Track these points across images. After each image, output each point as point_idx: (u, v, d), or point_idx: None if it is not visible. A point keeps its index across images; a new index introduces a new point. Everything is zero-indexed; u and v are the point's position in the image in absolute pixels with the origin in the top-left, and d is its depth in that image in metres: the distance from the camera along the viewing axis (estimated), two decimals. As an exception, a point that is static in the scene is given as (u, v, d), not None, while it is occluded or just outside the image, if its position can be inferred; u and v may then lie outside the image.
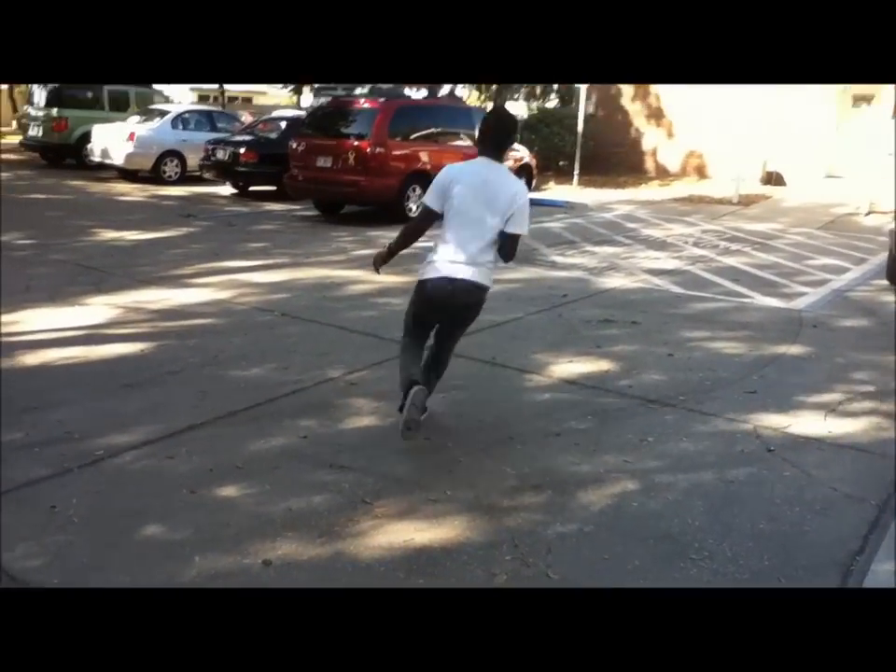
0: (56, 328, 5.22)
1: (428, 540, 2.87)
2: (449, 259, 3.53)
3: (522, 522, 3.02)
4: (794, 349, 5.31)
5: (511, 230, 3.54)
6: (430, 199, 3.59)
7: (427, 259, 3.67)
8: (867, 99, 15.64)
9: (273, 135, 13.57)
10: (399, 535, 2.89)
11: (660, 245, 9.66)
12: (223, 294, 6.43)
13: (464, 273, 3.51)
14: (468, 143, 12.03)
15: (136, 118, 15.27)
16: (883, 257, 7.83)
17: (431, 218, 3.66)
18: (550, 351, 5.15)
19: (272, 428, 3.78)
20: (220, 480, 3.24)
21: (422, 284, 3.67)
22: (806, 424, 3.99)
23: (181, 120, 15.21)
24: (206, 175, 13.91)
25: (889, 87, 12.39)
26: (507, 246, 3.61)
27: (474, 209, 3.48)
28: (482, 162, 3.56)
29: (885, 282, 7.41)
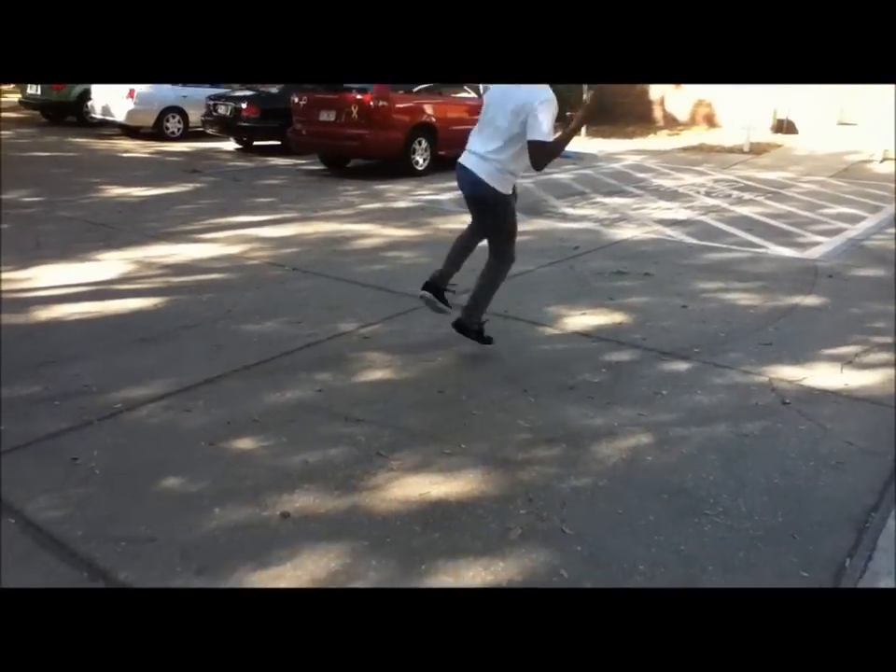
0: (68, 283, 5.22)
1: (444, 494, 2.88)
2: (467, 150, 3.98)
3: (536, 475, 3.03)
4: (809, 300, 5.27)
5: (528, 136, 3.68)
6: None
7: None
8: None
9: (275, 90, 13.38)
10: (415, 488, 2.91)
11: (671, 195, 9.55)
12: (233, 249, 6.40)
13: (471, 163, 3.91)
14: (471, 94, 11.85)
15: (136, 72, 15.06)
16: (899, 205, 7.73)
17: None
18: (562, 304, 5.13)
19: (286, 382, 3.79)
20: (238, 432, 3.26)
21: None
22: (822, 376, 3.97)
23: (182, 76, 14.99)
24: (209, 131, 13.79)
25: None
26: (531, 155, 3.74)
27: (490, 112, 3.87)
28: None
29: (900, 231, 7.33)
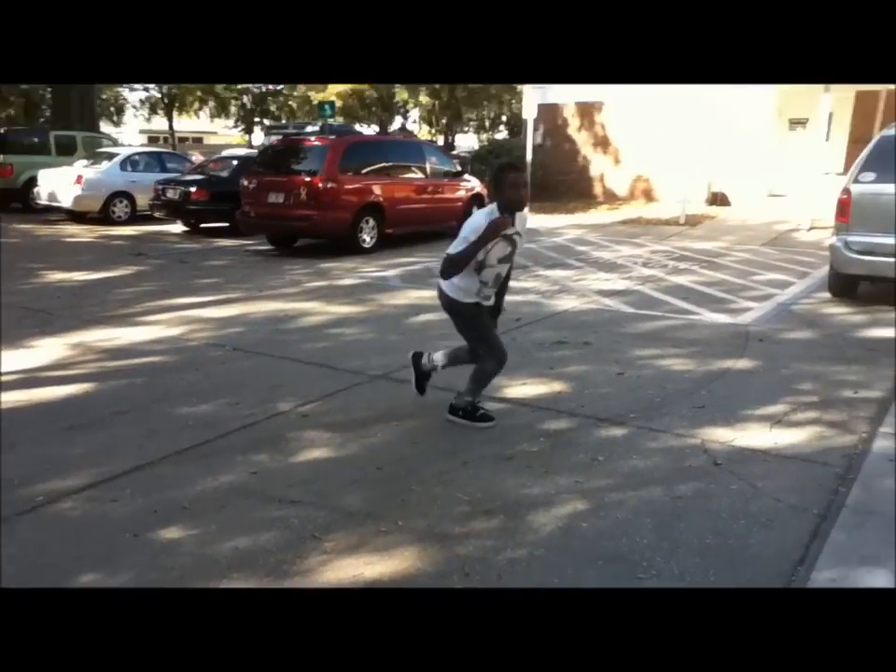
0: (-2, 373, 5.10)
1: (378, 574, 2.83)
2: None
3: (473, 549, 3.00)
4: (741, 363, 5.42)
5: None
6: None
7: None
8: (802, 123, 16.23)
9: (224, 174, 13.61)
10: (349, 570, 2.85)
11: (610, 266, 9.81)
12: (174, 331, 6.35)
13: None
14: (419, 175, 12.18)
15: (84, 161, 15.19)
16: (824, 270, 8.04)
17: None
18: (504, 374, 5.13)
19: (220, 465, 3.72)
20: (165, 521, 3.18)
21: None
22: (752, 436, 4.06)
23: (130, 162, 15.16)
24: (157, 215, 13.88)
25: (822, 111, 12.83)
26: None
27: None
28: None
29: (827, 294, 7.61)
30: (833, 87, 12.66)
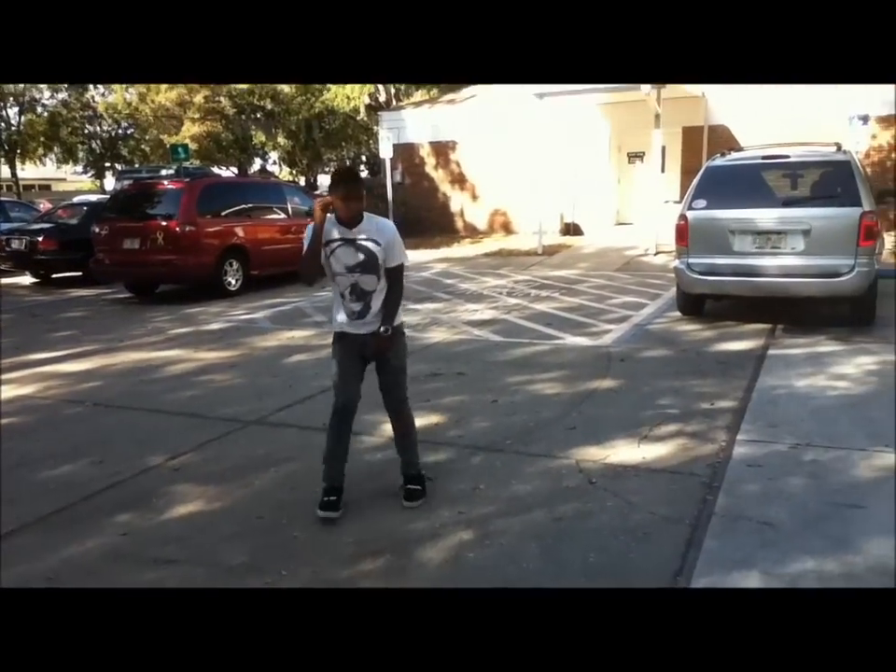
0: None
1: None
2: None
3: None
4: (606, 383, 5.68)
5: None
6: None
7: None
8: (639, 156, 17.43)
9: (75, 221, 13.01)
10: (236, 623, 2.75)
11: (477, 297, 10.07)
12: (26, 389, 5.94)
13: None
14: (281, 216, 12.07)
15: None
16: (673, 291, 8.58)
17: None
18: (380, 411, 5.13)
19: (87, 529, 3.50)
20: (29, 595, 2.95)
21: None
22: (623, 452, 4.25)
23: (-30, 212, 14.17)
24: (2, 267, 13.04)
25: (656, 146, 13.83)
26: None
27: None
28: None
29: (677, 313, 8.13)
30: (663, 123, 13.68)
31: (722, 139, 15.33)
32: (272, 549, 3.33)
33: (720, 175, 7.71)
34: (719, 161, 7.96)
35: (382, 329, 3.60)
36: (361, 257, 3.60)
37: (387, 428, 4.78)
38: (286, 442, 4.61)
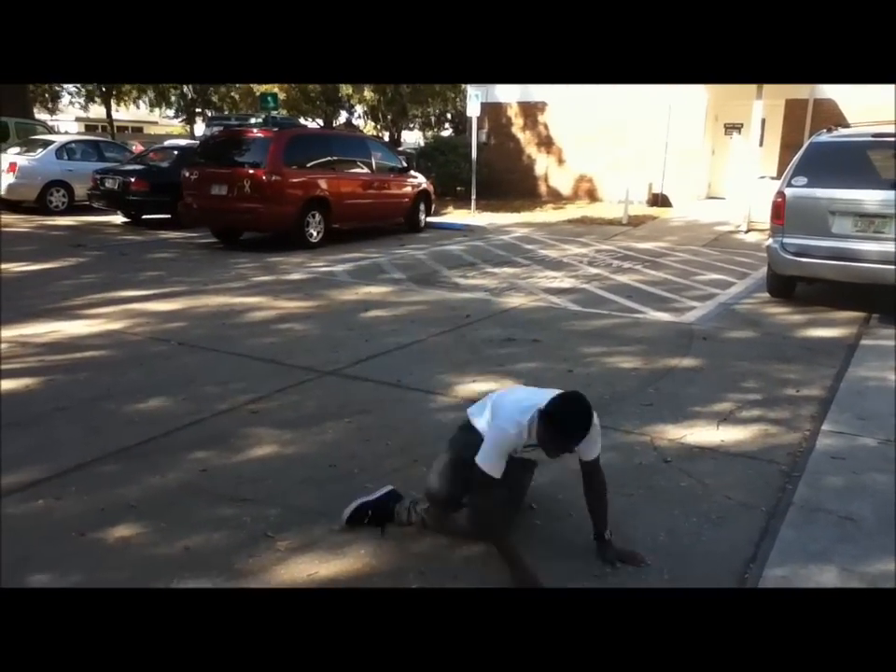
0: (-72, 367, 4.88)
1: (333, 573, 2.80)
2: None
3: (428, 547, 2.99)
4: (686, 361, 5.53)
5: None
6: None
7: None
8: (737, 128, 16.70)
9: (165, 164, 13.30)
10: (303, 569, 2.82)
11: (556, 264, 9.92)
12: (116, 325, 6.17)
13: None
14: (365, 170, 12.11)
15: (16, 149, 14.63)
16: (763, 271, 8.27)
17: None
18: (454, 371, 5.18)
19: (168, 463, 3.63)
20: (112, 520, 3.08)
21: None
22: (700, 434, 4.15)
23: (66, 150, 14.67)
24: (96, 205, 13.50)
25: (756, 118, 13.21)
26: None
27: None
28: None
29: (766, 294, 7.84)
30: (765, 93, 13.06)
31: (828, 114, 14.58)
32: (342, 497, 3.37)
33: (823, 152, 7.32)
34: (824, 137, 7.55)
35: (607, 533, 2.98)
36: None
37: (461, 389, 4.79)
38: (360, 395, 4.67)
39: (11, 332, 5.78)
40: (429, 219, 13.96)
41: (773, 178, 13.10)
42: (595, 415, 2.79)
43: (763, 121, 13.89)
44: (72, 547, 2.89)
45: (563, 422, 2.69)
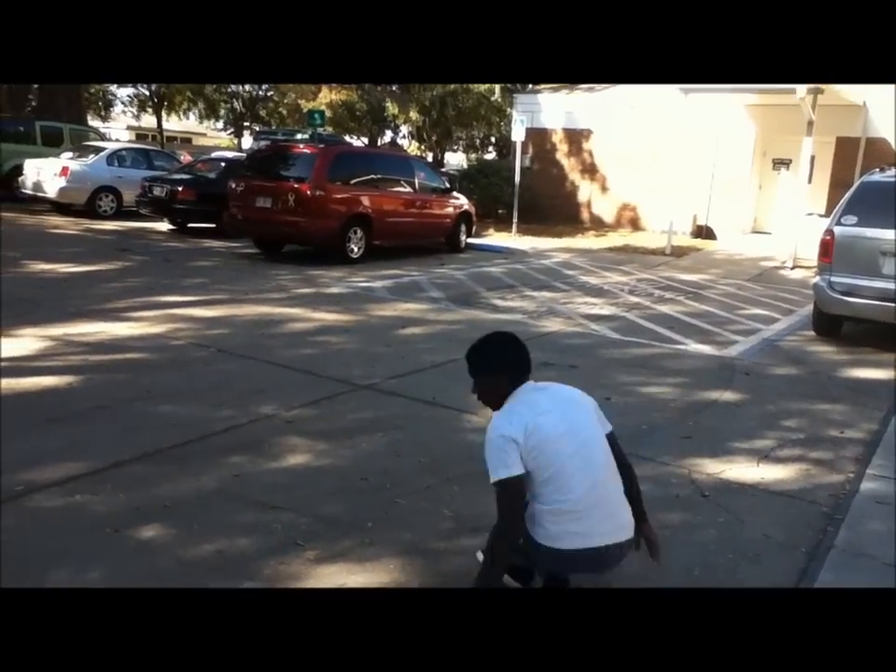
0: (-24, 359, 4.99)
1: (360, 583, 2.78)
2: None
3: (457, 566, 2.96)
4: (727, 395, 5.43)
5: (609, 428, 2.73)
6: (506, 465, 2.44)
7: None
8: (785, 163, 16.51)
9: (212, 175, 13.56)
10: (331, 578, 2.80)
11: (597, 291, 9.86)
12: (158, 328, 6.26)
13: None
14: (407, 189, 12.21)
15: (69, 153, 15.05)
16: (809, 308, 8.12)
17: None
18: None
19: (202, 467, 3.65)
20: (146, 519, 3.10)
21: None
22: (740, 469, 4.06)
23: (117, 157, 15.04)
24: (143, 211, 13.81)
25: (805, 154, 13.05)
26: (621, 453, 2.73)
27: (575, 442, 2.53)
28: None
29: (811, 332, 7.68)
30: (816, 130, 12.92)
31: (881, 153, 14.36)
32: (373, 510, 3.37)
33: (875, 192, 7.20)
34: (876, 177, 7.43)
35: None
36: None
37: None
38: (394, 410, 4.66)
39: (56, 331, 5.89)
40: (470, 240, 13.99)
41: (821, 216, 12.92)
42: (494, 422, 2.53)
43: (813, 158, 13.73)
44: (106, 543, 2.91)
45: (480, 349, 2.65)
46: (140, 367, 5.18)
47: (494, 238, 15.59)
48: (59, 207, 14.54)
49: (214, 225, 12.84)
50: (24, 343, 5.49)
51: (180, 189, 12.94)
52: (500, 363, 2.66)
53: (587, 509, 2.48)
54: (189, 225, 13.56)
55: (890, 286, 6.73)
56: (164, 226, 13.89)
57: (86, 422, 4.11)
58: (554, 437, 2.49)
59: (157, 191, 13.19)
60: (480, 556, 2.85)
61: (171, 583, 2.66)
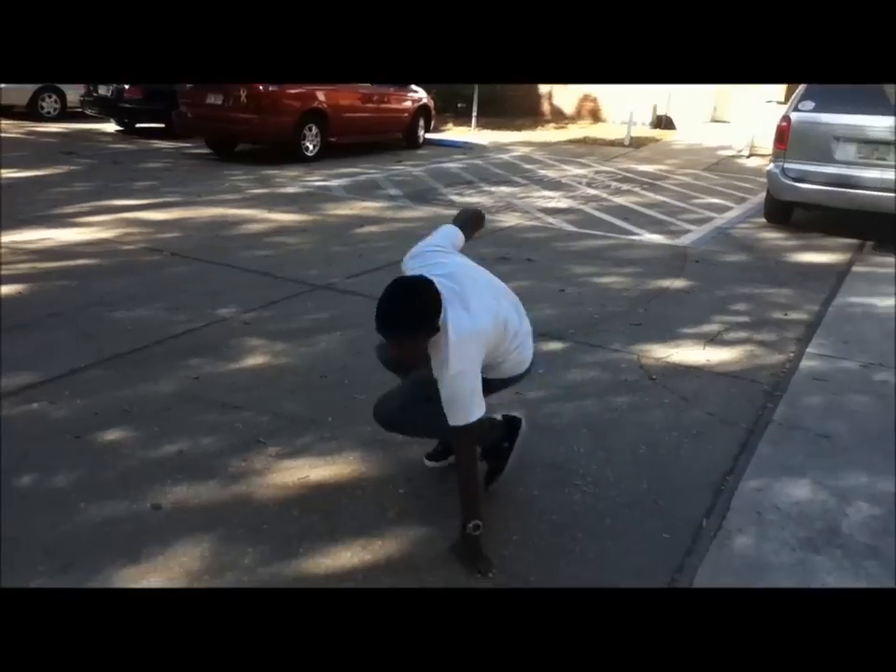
0: (-80, 271, 4.88)
1: (323, 477, 2.89)
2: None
3: (415, 456, 3.07)
4: (678, 283, 5.56)
5: None
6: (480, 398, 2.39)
7: None
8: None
9: (159, 70, 12.92)
10: (294, 473, 2.90)
11: (555, 185, 9.81)
12: (108, 233, 6.14)
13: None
14: (364, 83, 11.79)
15: (6, 49, 14.19)
16: (762, 196, 8.21)
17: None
18: (446, 289, 5.19)
19: (160, 371, 3.68)
20: (106, 424, 3.15)
21: None
22: (687, 353, 4.21)
23: (57, 52, 14.23)
24: (88, 112, 13.20)
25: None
26: None
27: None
28: None
29: (762, 219, 7.79)
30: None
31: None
32: (333, 406, 3.45)
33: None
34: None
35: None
36: None
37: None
38: (352, 309, 4.69)
39: (3, 239, 5.75)
40: (428, 136, 13.70)
41: (780, 103, 12.83)
42: (450, 359, 2.25)
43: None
44: (67, 448, 2.96)
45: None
46: (92, 273, 5.11)
47: (453, 133, 15.28)
48: (-3, 110, 13.85)
49: (163, 125, 12.39)
50: (-30, 253, 5.37)
51: (127, 87, 12.38)
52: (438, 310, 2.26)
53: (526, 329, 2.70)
54: (137, 125, 13.05)
55: (842, 171, 6.80)
56: (111, 127, 13.34)
57: (40, 330, 4.08)
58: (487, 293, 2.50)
59: (102, 90, 12.60)
60: (428, 464, 2.99)
61: (136, 486, 2.75)
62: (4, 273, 5.01)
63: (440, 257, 2.57)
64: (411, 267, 2.54)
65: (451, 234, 2.76)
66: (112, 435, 3.08)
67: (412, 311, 2.23)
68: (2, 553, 2.34)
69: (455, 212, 3.17)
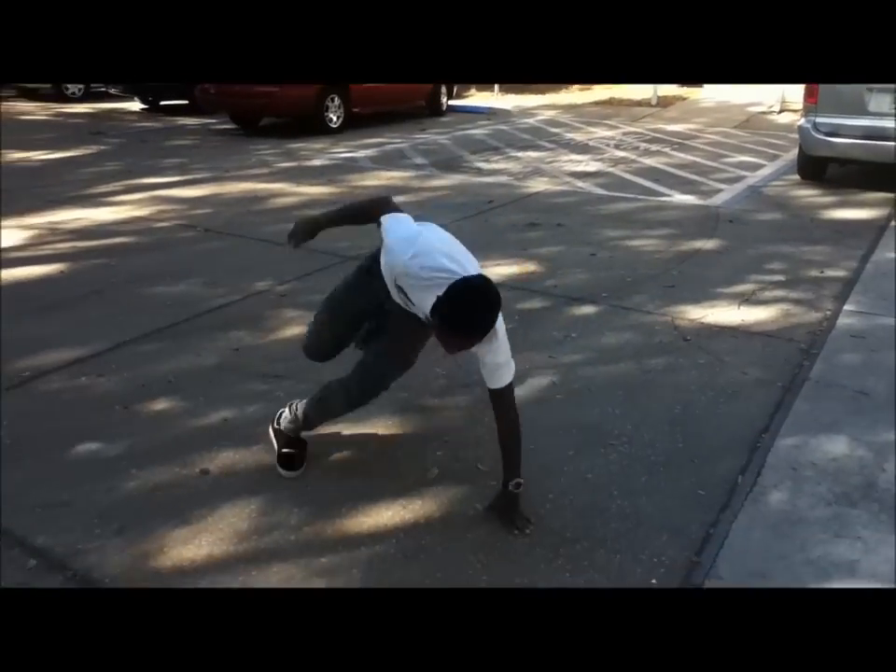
0: (-36, 253, 5.01)
1: (363, 441, 2.96)
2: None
3: (452, 419, 3.13)
4: (711, 244, 5.51)
5: None
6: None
7: None
8: None
9: (182, 45, 12.94)
10: (334, 437, 2.97)
11: (582, 148, 9.71)
12: (142, 211, 6.23)
13: None
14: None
15: (30, 29, 14.30)
16: (794, 153, 8.05)
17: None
18: (477, 255, 5.10)
19: (201, 343, 3.77)
20: (153, 395, 3.25)
21: None
22: (721, 314, 4.19)
23: (80, 31, 14.31)
24: (112, 91, 13.30)
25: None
26: None
27: None
28: None
29: (796, 176, 7.66)
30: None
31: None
32: (369, 375, 3.50)
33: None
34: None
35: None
36: None
37: (484, 272, 4.82)
38: (384, 278, 4.73)
39: (39, 219, 5.87)
40: (451, 102, 13.59)
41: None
42: (498, 331, 2.42)
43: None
44: (116, 419, 3.06)
45: (451, 315, 2.26)
46: (129, 251, 5.21)
47: (476, 99, 15.15)
48: (24, 92, 14.00)
49: (186, 101, 12.44)
50: (9, 234, 5.49)
51: (148, 64, 12.40)
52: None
53: None
54: (162, 103, 13.13)
55: (876, 123, 6.64)
56: (136, 105, 13.44)
57: (82, 307, 4.19)
58: None
59: (124, 69, 12.65)
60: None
61: (184, 452, 2.84)
62: (46, 252, 5.12)
63: (434, 243, 2.61)
64: (418, 265, 2.49)
65: (403, 218, 2.71)
66: (159, 405, 3.18)
67: (495, 312, 2.34)
68: (60, 518, 2.44)
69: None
